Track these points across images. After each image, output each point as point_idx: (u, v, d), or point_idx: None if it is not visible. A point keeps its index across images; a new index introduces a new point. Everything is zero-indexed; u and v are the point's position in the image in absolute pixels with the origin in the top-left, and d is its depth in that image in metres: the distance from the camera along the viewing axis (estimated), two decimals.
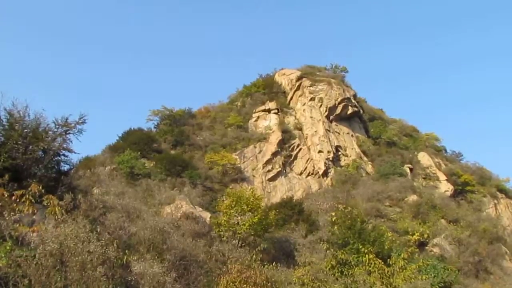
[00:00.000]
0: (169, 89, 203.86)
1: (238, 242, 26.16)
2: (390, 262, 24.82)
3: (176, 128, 55.57)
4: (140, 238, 20.10)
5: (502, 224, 61.29)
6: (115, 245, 17.54)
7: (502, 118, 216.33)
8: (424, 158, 66.82)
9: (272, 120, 60.21)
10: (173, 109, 59.67)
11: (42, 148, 20.43)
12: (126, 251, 18.13)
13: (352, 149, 62.51)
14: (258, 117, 61.26)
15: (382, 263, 24.56)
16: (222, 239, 25.72)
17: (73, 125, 21.89)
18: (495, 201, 66.83)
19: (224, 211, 28.04)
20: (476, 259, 42.71)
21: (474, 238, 45.79)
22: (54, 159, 21.44)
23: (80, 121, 22.06)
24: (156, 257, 18.93)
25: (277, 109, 61.96)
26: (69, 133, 21.91)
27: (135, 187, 36.79)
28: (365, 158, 62.51)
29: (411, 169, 62.95)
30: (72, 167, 24.07)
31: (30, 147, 20.02)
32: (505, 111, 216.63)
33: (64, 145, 21.84)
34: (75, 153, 22.98)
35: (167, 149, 50.75)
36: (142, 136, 50.15)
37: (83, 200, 20.20)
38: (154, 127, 58.21)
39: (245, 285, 19.34)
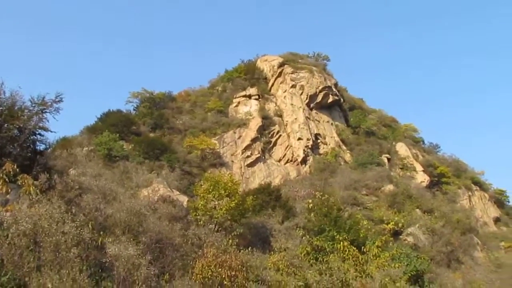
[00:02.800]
0: (150, 72, 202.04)
1: (215, 227, 26.18)
2: (365, 250, 25.11)
3: (156, 111, 55.14)
4: (116, 220, 19.96)
5: (475, 215, 62.47)
6: (90, 226, 17.41)
7: (480, 112, 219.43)
8: (402, 148, 67.51)
9: (252, 106, 60.10)
10: (153, 92, 59.11)
11: (17, 126, 20.10)
12: (101, 232, 18.01)
13: (331, 137, 62.79)
14: (239, 102, 61.07)
15: (357, 250, 24.82)
16: (199, 223, 25.68)
17: (49, 103, 21.52)
18: (470, 193, 68.01)
19: (202, 195, 27.97)
20: (448, 249, 43.43)
21: (447, 229, 46.51)
22: (29, 138, 21.10)
23: (57, 100, 21.70)
24: (131, 239, 18.83)
25: (258, 95, 61.83)
26: (46, 111, 21.54)
27: (113, 169, 36.46)
28: (343, 147, 62.86)
29: (388, 159, 63.56)
30: (48, 147, 23.73)
31: (5, 125, 19.67)
32: (484, 106, 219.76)
33: (40, 124, 21.49)
34: (51, 132, 22.57)
35: (146, 132, 50.37)
36: (121, 118, 49.65)
37: (59, 181, 19.99)
38: (134, 110, 57.65)
39: (220, 269, 19.37)
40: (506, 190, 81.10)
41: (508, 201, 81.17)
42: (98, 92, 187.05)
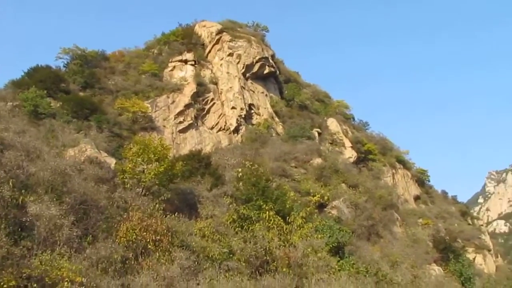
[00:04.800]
0: (83, 29, 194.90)
1: (142, 191, 25.96)
2: (289, 220, 25.71)
3: (87, 69, 53.14)
4: (39, 179, 19.38)
5: (397, 192, 65.07)
6: (10, 184, 16.85)
7: (409, 95, 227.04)
8: (332, 124, 68.83)
9: (188, 71, 59.16)
10: (85, 49, 56.90)
11: None
12: (23, 191, 17.46)
13: (265, 108, 63.12)
14: (174, 67, 59.94)
15: (282, 220, 25.39)
16: (126, 186, 25.35)
17: None
18: (393, 170, 70.62)
19: (130, 158, 27.50)
20: (369, 223, 45.15)
21: (370, 204, 48.24)
22: None
23: None
24: (54, 199, 18.38)
25: (194, 61, 60.90)
26: None
27: (38, 127, 35.09)
28: (276, 119, 63.38)
29: (319, 134, 64.68)
30: None
31: None
32: (413, 89, 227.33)
33: None
34: None
35: (75, 90, 48.55)
36: (50, 74, 47.52)
37: None
38: (64, 67, 55.35)
39: (145, 233, 19.33)
40: (427, 170, 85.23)
41: (429, 180, 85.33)
42: (27, 46, 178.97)
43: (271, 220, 24.80)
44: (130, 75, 56.98)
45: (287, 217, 26.37)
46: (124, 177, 26.47)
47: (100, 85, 51.79)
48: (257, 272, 21.26)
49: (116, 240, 18.97)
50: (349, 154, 64.54)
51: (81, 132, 36.62)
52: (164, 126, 51.09)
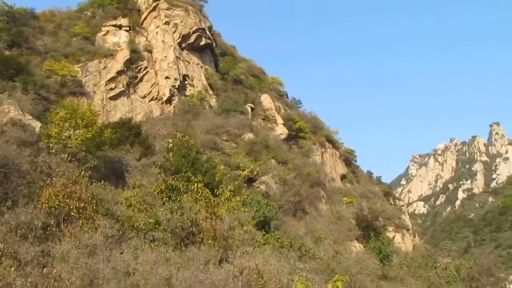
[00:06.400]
0: None
1: (68, 157, 25.20)
2: (218, 193, 25.79)
3: (15, 27, 50.63)
4: None
5: (325, 171, 66.68)
6: None
7: (341, 76, 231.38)
8: (266, 100, 69.28)
9: (122, 37, 57.47)
10: (13, 6, 54.10)
11: None
12: None
13: (199, 80, 62.58)
14: (108, 31, 58.03)
15: (210, 193, 25.40)
16: (51, 151, 24.48)
17: None
18: (323, 149, 72.18)
19: (57, 122, 26.48)
20: (296, 199, 46.10)
21: (298, 180, 49.21)
22: None
23: None
24: None
25: (129, 27, 59.20)
26: None
27: None
28: (210, 91, 63.05)
29: (252, 109, 65.00)
30: None
31: None
32: (346, 68, 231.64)
33: None
34: None
35: (1, 48, 46.22)
36: None
37: None
38: None
39: (68, 200, 18.79)
40: (355, 150, 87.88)
41: (356, 161, 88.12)
42: None
43: (199, 192, 24.76)
44: (61, 36, 54.77)
45: (216, 190, 26.43)
46: (49, 141, 25.52)
47: (28, 44, 49.47)
48: (182, 243, 21.22)
49: (38, 206, 18.36)
50: (281, 130, 65.33)
51: (5, 93, 34.91)
52: (94, 92, 49.67)
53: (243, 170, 43.19)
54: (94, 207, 20.07)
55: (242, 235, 22.57)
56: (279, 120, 66.99)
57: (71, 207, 18.85)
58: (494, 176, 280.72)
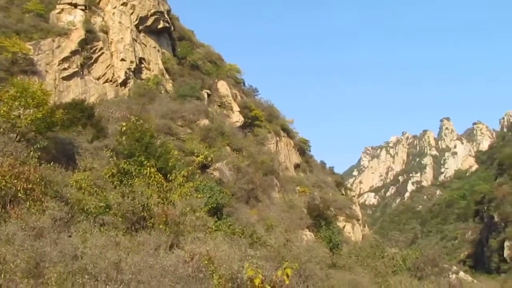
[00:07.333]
0: None
1: (16, 136, 24.51)
2: (171, 178, 25.66)
3: None
4: None
5: (279, 159, 67.21)
6: None
7: (298, 64, 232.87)
8: (223, 87, 69.06)
9: (77, 16, 55.85)
10: None
11: None
12: None
13: (156, 64, 61.72)
14: (63, 9, 56.30)
15: (163, 178, 25.26)
16: None
17: None
18: (278, 138, 72.65)
19: (6, 101, 25.68)
20: (250, 187, 46.33)
21: (252, 168, 49.40)
22: None
23: None
24: None
25: (85, 6, 57.58)
26: None
27: None
28: (167, 76, 62.31)
29: (208, 95, 64.67)
30: None
31: None
32: (301, 56, 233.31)
33: None
34: None
35: None
36: None
37: None
38: None
39: (16, 181, 18.32)
40: (309, 140, 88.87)
41: (310, 150, 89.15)
42: None
43: (151, 176, 24.59)
44: (12, 12, 52.78)
45: (169, 175, 26.29)
46: None
47: None
48: (133, 228, 21.04)
49: None
50: (236, 118, 65.33)
51: None
52: (47, 71, 48.21)
53: (197, 156, 42.99)
54: (43, 189, 19.65)
55: (194, 221, 22.57)
56: (235, 108, 66.95)
57: (19, 188, 18.39)
58: (442, 170, 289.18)
